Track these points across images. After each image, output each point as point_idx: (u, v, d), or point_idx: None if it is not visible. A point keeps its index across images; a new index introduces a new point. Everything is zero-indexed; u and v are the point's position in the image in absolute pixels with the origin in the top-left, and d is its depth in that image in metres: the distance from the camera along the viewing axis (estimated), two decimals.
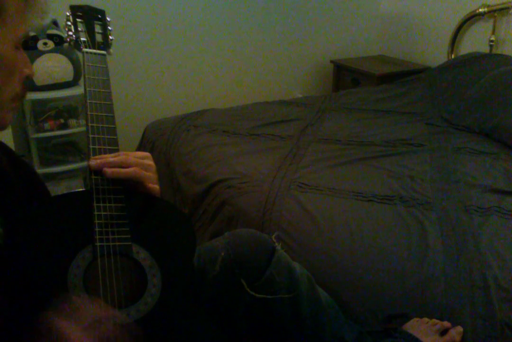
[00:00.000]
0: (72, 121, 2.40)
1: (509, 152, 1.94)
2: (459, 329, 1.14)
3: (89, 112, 0.87)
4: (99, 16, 0.98)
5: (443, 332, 1.15)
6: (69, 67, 2.31)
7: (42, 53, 2.23)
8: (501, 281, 1.23)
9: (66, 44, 0.84)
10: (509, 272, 1.26)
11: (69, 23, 0.94)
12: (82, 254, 0.77)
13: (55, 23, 2.31)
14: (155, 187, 0.85)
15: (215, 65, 2.98)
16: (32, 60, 2.22)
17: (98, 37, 0.96)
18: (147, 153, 0.87)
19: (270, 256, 1.02)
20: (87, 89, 0.89)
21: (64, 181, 2.49)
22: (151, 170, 0.85)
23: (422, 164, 1.83)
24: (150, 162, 0.86)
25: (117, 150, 0.87)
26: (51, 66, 2.26)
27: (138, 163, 0.83)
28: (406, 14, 3.18)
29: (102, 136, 0.86)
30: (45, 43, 2.24)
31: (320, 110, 2.41)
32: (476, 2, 2.70)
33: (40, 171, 2.39)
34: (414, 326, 1.15)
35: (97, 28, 0.96)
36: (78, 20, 0.95)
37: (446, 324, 1.15)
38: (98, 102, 0.90)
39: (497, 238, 1.38)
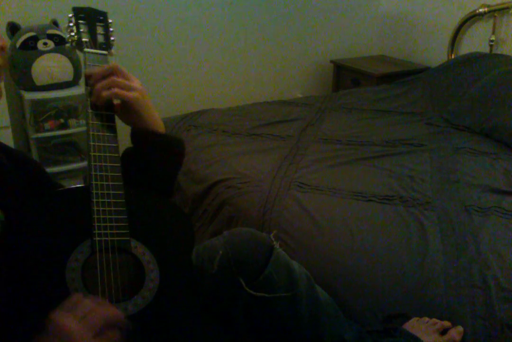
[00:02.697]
0: (72, 121, 2.40)
1: (509, 152, 1.94)
2: (460, 328, 1.14)
3: (89, 110, 0.88)
4: (101, 17, 0.99)
5: (443, 331, 1.15)
6: (69, 67, 2.30)
7: (42, 53, 2.23)
8: (501, 281, 1.22)
9: (67, 45, 0.86)
10: (509, 272, 1.26)
11: (71, 24, 0.96)
12: (80, 248, 0.78)
13: (55, 23, 2.31)
14: (134, 94, 0.89)
15: (215, 65, 2.98)
16: (32, 60, 2.22)
17: (100, 38, 0.97)
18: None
19: (268, 254, 1.02)
20: (88, 87, 0.90)
21: (64, 181, 2.49)
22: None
23: (422, 164, 1.82)
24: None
25: (117, 147, 0.88)
26: (51, 66, 2.26)
27: (122, 71, 0.89)
28: (406, 14, 3.18)
29: (102, 133, 0.87)
30: (45, 43, 2.24)
31: (320, 110, 2.41)
32: (476, 2, 2.70)
33: None
34: (414, 325, 1.15)
35: (99, 30, 0.98)
36: (80, 21, 0.96)
37: (446, 323, 1.15)
38: None
39: (497, 238, 1.38)
